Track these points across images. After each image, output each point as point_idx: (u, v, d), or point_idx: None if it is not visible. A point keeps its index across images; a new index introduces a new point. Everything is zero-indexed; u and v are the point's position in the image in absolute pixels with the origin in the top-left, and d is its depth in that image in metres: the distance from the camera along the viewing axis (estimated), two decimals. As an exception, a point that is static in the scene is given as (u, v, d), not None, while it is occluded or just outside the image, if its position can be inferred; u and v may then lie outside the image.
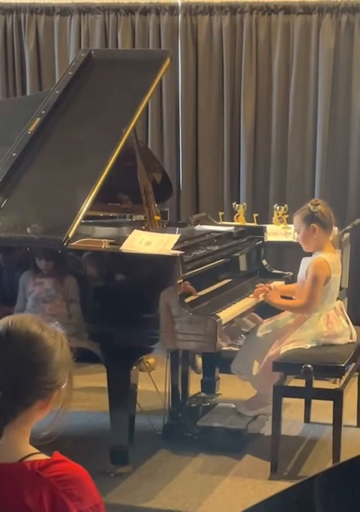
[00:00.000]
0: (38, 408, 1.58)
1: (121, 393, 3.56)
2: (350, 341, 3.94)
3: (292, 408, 4.33)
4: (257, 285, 4.07)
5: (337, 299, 4.06)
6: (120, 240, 3.65)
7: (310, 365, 3.60)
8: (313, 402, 4.18)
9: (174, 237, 3.63)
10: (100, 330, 3.55)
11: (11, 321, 1.58)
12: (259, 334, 4.01)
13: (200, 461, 3.83)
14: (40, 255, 3.62)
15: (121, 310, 3.50)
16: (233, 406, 4.15)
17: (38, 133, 3.98)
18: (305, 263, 3.96)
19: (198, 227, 4.45)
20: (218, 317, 3.47)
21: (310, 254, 4.00)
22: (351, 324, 4.01)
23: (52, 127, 4.02)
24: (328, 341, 3.86)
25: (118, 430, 3.58)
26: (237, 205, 5.18)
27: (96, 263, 3.58)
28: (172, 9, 5.55)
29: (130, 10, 5.62)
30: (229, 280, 4.14)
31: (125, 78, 4.20)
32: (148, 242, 3.57)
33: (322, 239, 3.95)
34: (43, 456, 1.56)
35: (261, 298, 3.99)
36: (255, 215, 5.12)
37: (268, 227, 4.84)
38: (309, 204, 3.98)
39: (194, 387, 4.42)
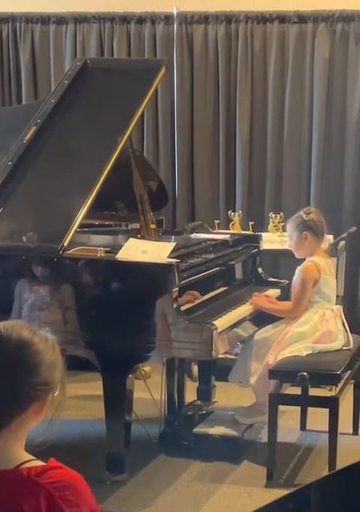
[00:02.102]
0: (33, 413, 1.60)
1: (117, 401, 3.56)
2: (346, 347, 3.95)
3: (288, 416, 4.33)
4: (254, 295, 4.11)
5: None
6: (116, 248, 3.65)
7: (305, 373, 3.60)
8: (309, 409, 4.19)
9: (170, 245, 3.64)
10: (95, 338, 3.55)
11: (2, 327, 1.62)
12: (257, 338, 4.02)
13: (196, 469, 3.83)
14: (36, 263, 3.62)
15: (116, 318, 3.51)
16: (231, 413, 4.15)
17: (34, 141, 3.98)
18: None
19: (194, 236, 4.45)
20: (214, 325, 3.47)
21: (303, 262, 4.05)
22: (348, 331, 4.02)
23: (47, 135, 4.03)
24: (324, 348, 3.87)
25: (114, 438, 3.58)
26: (233, 213, 5.19)
27: (92, 271, 3.58)
28: (168, 18, 5.56)
29: (125, 19, 5.63)
30: (225, 288, 4.14)
31: (121, 87, 4.21)
32: (143, 250, 3.57)
33: (313, 246, 4.02)
34: (39, 463, 1.58)
35: (251, 304, 4.02)
36: (251, 223, 5.13)
37: (264, 235, 4.85)
38: (302, 212, 4.05)
39: (190, 394, 4.42)
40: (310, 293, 3.95)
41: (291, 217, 4.14)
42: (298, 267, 4.03)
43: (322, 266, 3.97)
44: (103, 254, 3.59)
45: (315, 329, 3.90)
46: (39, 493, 1.51)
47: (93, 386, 4.47)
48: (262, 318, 4.11)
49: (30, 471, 1.54)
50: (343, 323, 4.03)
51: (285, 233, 4.93)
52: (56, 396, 1.63)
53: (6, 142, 4.06)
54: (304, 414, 4.27)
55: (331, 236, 4.77)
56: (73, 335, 3.56)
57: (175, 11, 5.52)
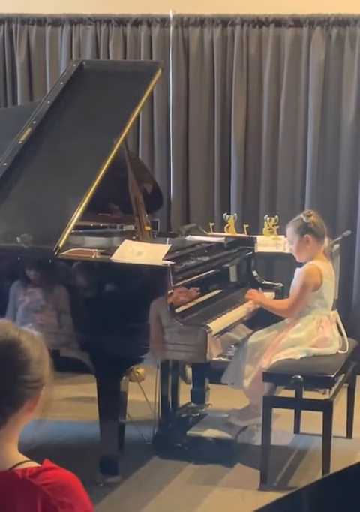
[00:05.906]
0: (26, 410, 1.60)
1: (111, 403, 3.56)
2: (341, 352, 3.95)
3: (282, 419, 4.33)
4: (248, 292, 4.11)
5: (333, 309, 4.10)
6: (110, 250, 3.65)
7: (300, 376, 3.60)
8: (303, 412, 4.19)
9: (165, 247, 3.64)
10: (90, 340, 3.55)
11: None
12: (252, 340, 4.01)
13: (190, 471, 3.83)
14: (31, 265, 3.62)
15: (111, 320, 3.50)
16: (225, 415, 4.15)
17: (29, 143, 3.98)
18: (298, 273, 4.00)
19: (188, 238, 4.45)
20: (209, 327, 3.47)
21: (302, 265, 4.03)
22: (345, 335, 4.02)
23: (43, 137, 4.03)
24: (319, 352, 3.87)
25: (107, 440, 3.58)
26: (227, 216, 5.19)
27: (86, 273, 3.58)
28: (164, 21, 5.57)
29: (121, 21, 5.63)
30: (220, 290, 4.14)
31: (116, 89, 4.21)
32: (138, 252, 3.57)
33: (315, 249, 3.99)
34: (33, 464, 1.58)
35: (248, 299, 4.02)
36: (245, 226, 5.13)
37: (259, 238, 4.85)
38: (302, 215, 4.02)
39: (184, 397, 4.42)
40: (308, 297, 3.93)
41: (290, 220, 4.11)
42: (299, 269, 4.01)
43: (324, 271, 3.95)
44: (98, 256, 3.58)
45: (311, 336, 3.89)
46: (34, 495, 1.51)
47: (87, 388, 4.47)
48: (256, 321, 4.11)
49: (25, 473, 1.54)
50: (339, 328, 4.02)
51: (280, 237, 4.94)
52: (46, 391, 1.63)
53: (1, 143, 4.06)
54: (297, 417, 4.27)
55: (327, 239, 4.77)
56: (67, 337, 3.56)
57: (171, 14, 5.52)
